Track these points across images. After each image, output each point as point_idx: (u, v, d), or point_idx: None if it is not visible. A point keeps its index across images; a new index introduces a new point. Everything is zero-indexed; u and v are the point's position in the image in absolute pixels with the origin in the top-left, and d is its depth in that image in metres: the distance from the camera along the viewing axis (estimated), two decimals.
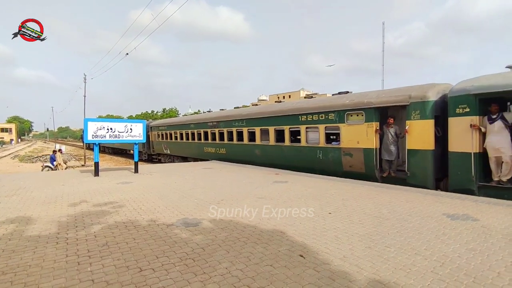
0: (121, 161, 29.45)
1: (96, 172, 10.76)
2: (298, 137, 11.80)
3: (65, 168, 17.78)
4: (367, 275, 3.03)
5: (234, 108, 19.38)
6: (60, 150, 21.12)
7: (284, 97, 77.86)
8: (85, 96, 33.91)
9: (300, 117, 11.53)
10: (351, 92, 11.98)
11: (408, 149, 8.45)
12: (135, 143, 11.81)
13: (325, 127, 10.55)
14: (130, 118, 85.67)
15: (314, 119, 10.97)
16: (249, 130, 14.31)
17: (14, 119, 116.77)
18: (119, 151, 38.74)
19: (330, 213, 5.32)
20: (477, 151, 7.16)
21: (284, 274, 3.08)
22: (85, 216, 5.26)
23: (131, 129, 11.28)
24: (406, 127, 8.43)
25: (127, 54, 20.30)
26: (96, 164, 10.93)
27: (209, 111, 20.06)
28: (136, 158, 11.95)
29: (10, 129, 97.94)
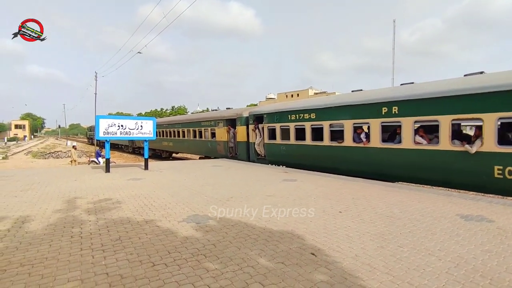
0: (130, 158, 29.83)
1: (107, 168, 10.94)
2: (201, 135, 19.51)
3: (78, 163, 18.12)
4: (380, 274, 3.00)
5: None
6: (74, 147, 21.61)
7: (292, 95, 77.42)
8: (96, 94, 34.44)
9: (201, 123, 19.39)
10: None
11: (237, 141, 16.02)
12: (145, 140, 11.95)
13: (210, 129, 18.23)
14: (139, 115, 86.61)
15: (207, 124, 18.68)
16: (182, 130, 22.17)
17: (27, 116, 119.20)
18: (114, 145, 40.25)
19: (340, 212, 5.29)
20: (254, 141, 14.23)
21: (296, 271, 3.08)
22: (98, 211, 5.35)
23: (141, 126, 11.42)
24: (236, 130, 15.90)
25: (140, 52, 20.52)
26: (108, 161, 11.12)
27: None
28: (146, 155, 12.09)
29: (24, 125, 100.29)
